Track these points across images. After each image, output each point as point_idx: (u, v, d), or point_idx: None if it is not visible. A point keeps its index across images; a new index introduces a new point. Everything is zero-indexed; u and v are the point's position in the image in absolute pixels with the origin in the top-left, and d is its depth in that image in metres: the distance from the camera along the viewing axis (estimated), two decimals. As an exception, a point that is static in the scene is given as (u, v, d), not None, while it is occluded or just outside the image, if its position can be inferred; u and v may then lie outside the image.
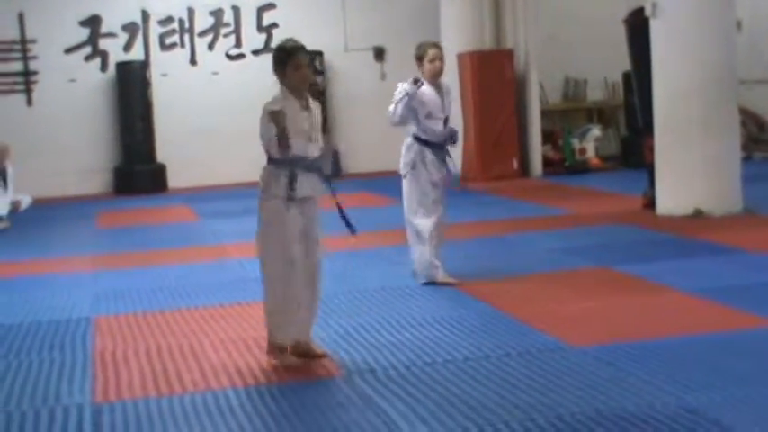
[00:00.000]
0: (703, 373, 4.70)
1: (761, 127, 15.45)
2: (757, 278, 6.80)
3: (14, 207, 11.90)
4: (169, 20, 16.10)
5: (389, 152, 16.51)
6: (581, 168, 14.10)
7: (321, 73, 16.10)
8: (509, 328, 5.80)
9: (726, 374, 4.69)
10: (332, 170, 5.42)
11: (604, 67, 15.79)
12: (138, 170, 15.49)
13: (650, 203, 9.95)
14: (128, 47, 15.92)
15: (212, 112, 16.06)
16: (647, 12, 9.68)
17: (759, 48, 14.96)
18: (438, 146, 7.09)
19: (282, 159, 5.25)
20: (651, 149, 9.86)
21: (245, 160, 16.17)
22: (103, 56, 15.81)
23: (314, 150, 5.39)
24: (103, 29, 15.84)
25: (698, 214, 9.32)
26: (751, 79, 14.58)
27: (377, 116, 16.76)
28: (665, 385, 4.55)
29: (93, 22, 15.79)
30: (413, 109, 6.98)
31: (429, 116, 7.03)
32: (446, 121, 7.10)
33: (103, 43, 15.83)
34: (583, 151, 14.50)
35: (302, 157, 5.30)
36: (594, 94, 16.57)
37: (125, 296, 7.39)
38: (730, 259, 7.53)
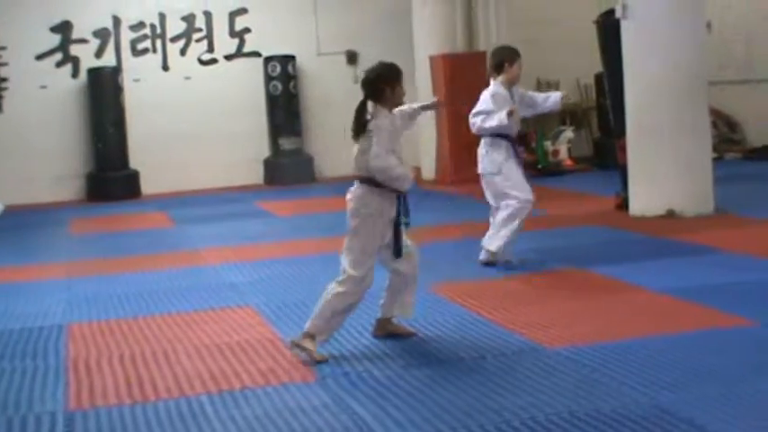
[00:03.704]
0: (677, 373, 4.73)
1: (732, 127, 15.56)
2: (729, 277, 6.85)
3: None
4: (141, 25, 16.02)
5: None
6: (554, 170, 14.15)
7: (293, 77, 16.08)
8: (484, 331, 5.81)
9: (699, 374, 4.71)
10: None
11: (576, 68, 15.85)
12: (111, 176, 15.38)
13: (623, 204, 10.00)
14: (99, 53, 15.82)
15: (185, 117, 15.99)
16: (618, 13, 9.72)
17: (729, 49, 15.08)
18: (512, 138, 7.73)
19: None
20: (624, 150, 9.91)
21: (219, 165, 16.21)
22: (75, 62, 15.70)
23: None
24: (74, 35, 15.71)
25: (670, 215, 9.37)
26: (722, 80, 14.68)
27: (350, 120, 16.79)
28: (639, 385, 4.57)
29: (63, 28, 15.68)
30: None
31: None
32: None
33: (75, 49, 15.72)
34: (556, 153, 14.56)
35: None
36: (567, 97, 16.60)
37: (98, 303, 7.34)
38: (703, 259, 7.58)
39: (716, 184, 9.77)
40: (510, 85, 7.65)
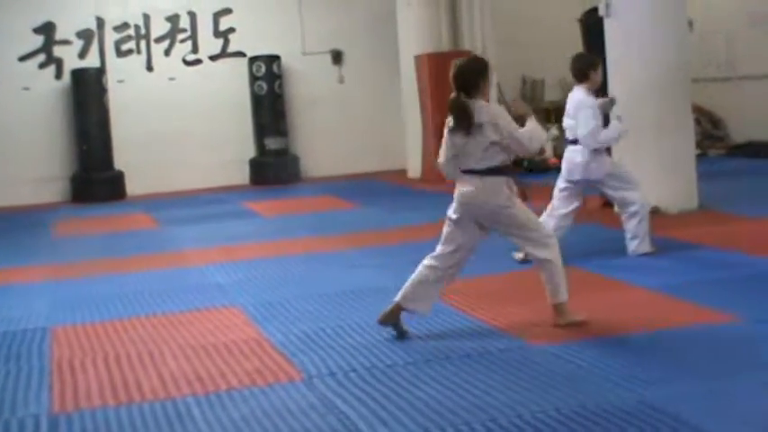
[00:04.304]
0: (663, 369, 4.74)
1: (715, 124, 15.61)
2: (714, 274, 6.87)
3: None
4: (125, 26, 15.97)
5: (348, 156, 16.63)
6: (540, 168, 14.16)
7: (278, 77, 16.06)
8: (470, 329, 5.82)
9: (685, 370, 4.73)
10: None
11: (561, 66, 15.81)
12: (95, 178, 15.33)
13: (608, 202, 10.00)
14: (83, 54, 15.76)
15: (170, 117, 15.95)
16: (601, 11, 9.74)
17: (711, 47, 15.13)
18: None
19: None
20: (608, 148, 9.91)
21: (205, 166, 16.17)
22: (58, 63, 15.63)
23: None
24: (58, 36, 15.65)
25: (655, 211, 9.37)
26: (705, 78, 14.74)
27: (335, 120, 16.84)
28: (625, 382, 4.58)
29: (46, 30, 15.61)
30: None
31: None
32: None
33: (58, 50, 15.65)
34: (541, 151, 14.57)
35: None
36: (552, 94, 16.65)
37: (83, 305, 7.31)
38: (688, 255, 7.61)
39: (700, 180, 9.81)
40: (592, 91, 7.65)
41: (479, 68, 5.57)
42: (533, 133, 5.63)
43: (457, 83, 5.53)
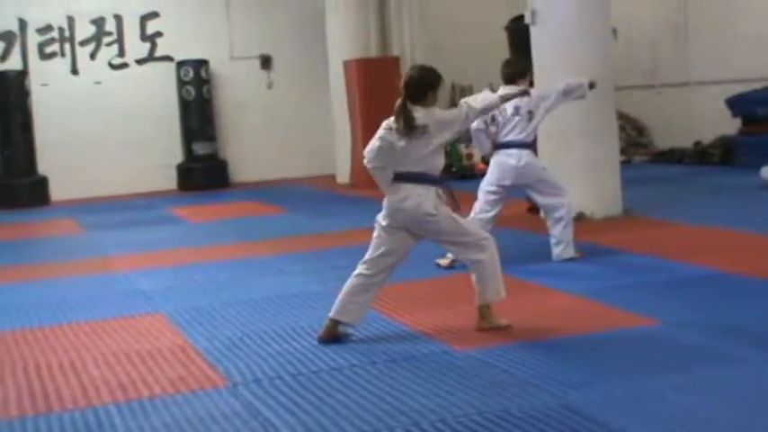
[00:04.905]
0: (584, 373, 4.80)
1: (640, 131, 15.89)
2: (636, 278, 6.99)
3: None
4: (48, 28, 15.72)
5: (277, 161, 16.57)
6: (468, 173, 14.26)
7: (206, 82, 15.94)
8: (395, 334, 5.83)
9: (606, 373, 4.79)
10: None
11: (490, 73, 15.96)
12: (17, 183, 15.06)
13: (534, 207, 10.11)
14: (5, 56, 15.49)
15: (96, 122, 15.74)
16: (527, 19, 9.86)
17: (635, 55, 15.40)
18: None
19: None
20: (536, 152, 10.02)
21: (132, 171, 15.97)
22: (-21, 66, 15.35)
23: None
24: (-22, 38, 15.38)
25: (580, 217, 9.51)
26: (629, 85, 14.99)
27: (264, 125, 16.76)
28: (547, 385, 4.63)
29: (-33, 32, 15.32)
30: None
31: None
32: None
33: (-21, 53, 15.38)
34: (469, 156, 14.69)
35: None
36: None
37: (3, 313, 7.16)
38: (611, 261, 7.72)
39: (624, 186, 9.96)
40: None
41: (431, 81, 5.61)
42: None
43: (407, 90, 5.56)
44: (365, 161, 5.67)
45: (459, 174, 14.27)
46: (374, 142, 5.66)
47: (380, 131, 5.65)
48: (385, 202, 5.69)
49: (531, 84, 8.18)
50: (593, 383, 4.62)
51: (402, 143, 5.55)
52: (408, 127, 5.50)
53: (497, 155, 7.77)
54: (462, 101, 5.81)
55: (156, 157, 16.01)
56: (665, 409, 4.21)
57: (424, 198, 5.58)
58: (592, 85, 7.90)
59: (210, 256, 9.17)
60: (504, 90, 7.43)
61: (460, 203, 5.94)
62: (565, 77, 9.51)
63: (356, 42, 14.84)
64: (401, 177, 5.62)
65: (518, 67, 7.76)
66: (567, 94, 7.81)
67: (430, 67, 5.72)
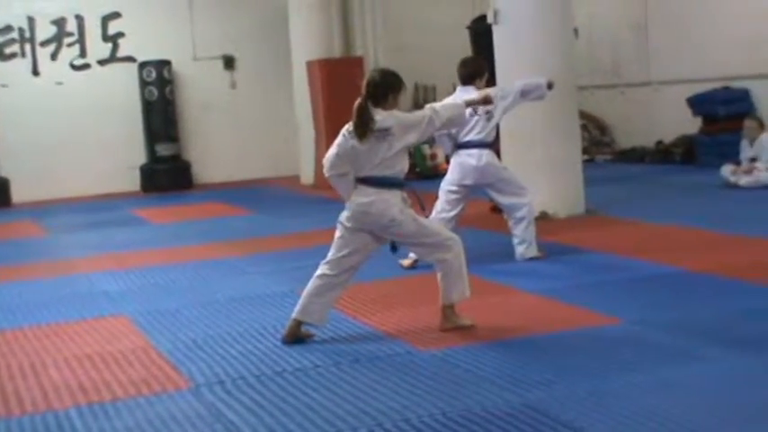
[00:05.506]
0: (546, 372, 4.82)
1: (602, 131, 16.00)
2: (598, 277, 7.03)
3: None
4: (8, 29, 15.55)
5: (240, 162, 16.51)
6: (431, 173, 14.28)
7: (169, 82, 15.85)
8: (358, 334, 5.83)
9: (569, 372, 4.82)
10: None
11: (452, 74, 15.99)
12: (-22, 185, 14.90)
13: (496, 207, 10.14)
14: (-37, 57, 15.33)
15: (57, 123, 15.60)
16: (489, 19, 9.89)
17: (597, 55, 15.50)
18: None
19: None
20: (497, 153, 10.06)
21: (94, 172, 15.85)
22: (-64, 66, 15.17)
23: None
24: (-65, 38, 15.20)
25: (543, 216, 9.56)
26: (591, 85, 15.09)
27: (227, 126, 16.69)
28: (510, 384, 4.65)
29: (-76, 32, 15.13)
30: None
31: None
32: None
33: (-64, 54, 15.20)
34: (433, 156, 14.72)
35: None
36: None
37: (-37, 316, 7.09)
38: (574, 259, 7.77)
39: (587, 185, 10.03)
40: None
41: (393, 84, 5.58)
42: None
43: (368, 90, 5.53)
44: (324, 170, 5.65)
45: (423, 174, 14.28)
46: (332, 150, 5.65)
47: (339, 138, 5.63)
48: (348, 204, 5.68)
49: (489, 83, 8.20)
50: (555, 382, 4.65)
51: (364, 147, 5.53)
52: (366, 128, 5.47)
53: (458, 155, 7.78)
54: (428, 105, 5.81)
55: (119, 158, 15.90)
56: (626, 408, 4.24)
57: (390, 203, 5.57)
58: (550, 86, 7.89)
59: (174, 258, 9.13)
60: (462, 92, 7.48)
61: (426, 205, 5.95)
62: (527, 77, 9.59)
63: (319, 43, 14.83)
64: (365, 181, 5.61)
65: (474, 67, 7.78)
66: (526, 94, 7.83)
67: (392, 71, 5.69)
